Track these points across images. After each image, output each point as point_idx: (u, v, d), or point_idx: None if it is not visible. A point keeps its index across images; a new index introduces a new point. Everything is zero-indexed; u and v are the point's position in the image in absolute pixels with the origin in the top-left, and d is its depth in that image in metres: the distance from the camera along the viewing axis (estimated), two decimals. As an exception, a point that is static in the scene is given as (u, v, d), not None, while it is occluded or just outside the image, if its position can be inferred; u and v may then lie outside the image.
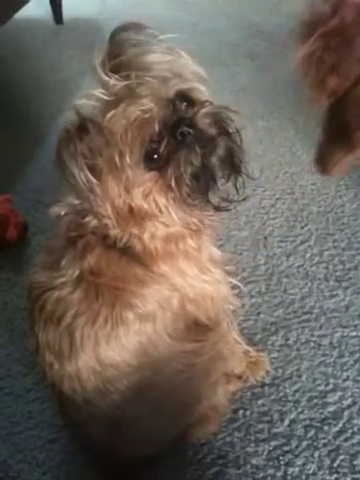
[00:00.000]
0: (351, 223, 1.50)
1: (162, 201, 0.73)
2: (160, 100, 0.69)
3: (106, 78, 0.71)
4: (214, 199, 0.76)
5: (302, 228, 1.51)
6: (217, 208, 0.78)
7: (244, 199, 0.81)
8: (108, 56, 0.74)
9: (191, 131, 0.70)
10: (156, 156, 0.71)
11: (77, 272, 0.78)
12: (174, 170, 0.71)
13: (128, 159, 0.69)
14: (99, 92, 0.71)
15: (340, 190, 1.62)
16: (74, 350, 0.78)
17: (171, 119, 0.70)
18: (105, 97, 0.71)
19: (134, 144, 0.69)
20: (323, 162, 0.62)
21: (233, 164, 0.76)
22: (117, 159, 0.69)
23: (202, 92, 0.76)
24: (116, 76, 0.71)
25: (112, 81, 0.71)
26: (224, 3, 2.86)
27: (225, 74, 2.21)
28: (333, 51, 0.49)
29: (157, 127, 0.69)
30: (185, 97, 0.73)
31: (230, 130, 0.74)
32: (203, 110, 0.73)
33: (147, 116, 0.68)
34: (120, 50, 0.74)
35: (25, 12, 2.26)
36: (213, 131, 0.72)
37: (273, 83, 2.15)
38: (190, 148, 0.71)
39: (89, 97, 0.73)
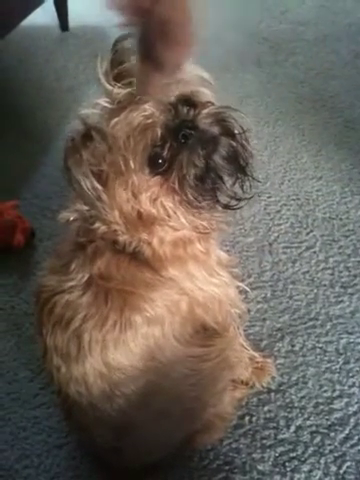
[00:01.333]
0: (356, 229, 1.50)
1: (170, 205, 0.74)
2: (161, 105, 0.70)
3: (109, 87, 0.73)
4: (222, 198, 0.77)
5: (307, 234, 1.51)
6: (226, 207, 0.78)
7: (252, 197, 0.81)
8: (111, 64, 0.75)
9: (193, 133, 0.71)
10: (160, 160, 0.71)
11: (87, 276, 0.79)
12: (177, 172, 0.71)
13: (132, 164, 0.70)
14: (103, 101, 0.73)
15: (345, 196, 1.62)
16: (82, 353, 0.79)
17: (173, 123, 0.71)
18: (109, 105, 0.72)
19: (137, 149, 0.69)
20: (141, 84, 0.65)
21: (238, 164, 0.76)
22: (122, 165, 0.70)
23: (205, 94, 0.77)
24: (119, 84, 0.72)
25: (115, 89, 0.72)
26: (230, 11, 2.87)
27: (231, 81, 2.22)
28: None
29: (159, 131, 0.70)
30: (187, 100, 0.74)
31: (234, 129, 0.75)
32: (205, 111, 0.73)
33: (149, 121, 0.69)
34: (123, 58, 0.76)
35: (31, 19, 2.28)
36: (215, 131, 0.73)
37: (278, 90, 2.16)
38: (192, 149, 0.71)
39: (94, 106, 0.74)
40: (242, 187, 0.79)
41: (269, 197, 1.65)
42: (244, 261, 1.44)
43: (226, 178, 0.76)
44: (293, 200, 1.63)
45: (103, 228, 0.78)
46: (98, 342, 0.78)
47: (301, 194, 1.65)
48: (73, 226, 0.83)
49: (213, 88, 0.80)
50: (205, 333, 0.90)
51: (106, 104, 0.72)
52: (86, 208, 0.75)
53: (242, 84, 2.22)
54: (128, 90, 0.71)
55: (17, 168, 1.83)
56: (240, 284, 0.99)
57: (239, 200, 0.79)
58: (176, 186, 0.72)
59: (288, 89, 2.15)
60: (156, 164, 0.71)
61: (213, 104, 0.76)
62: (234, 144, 0.75)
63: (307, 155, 1.80)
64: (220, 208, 0.79)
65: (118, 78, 0.74)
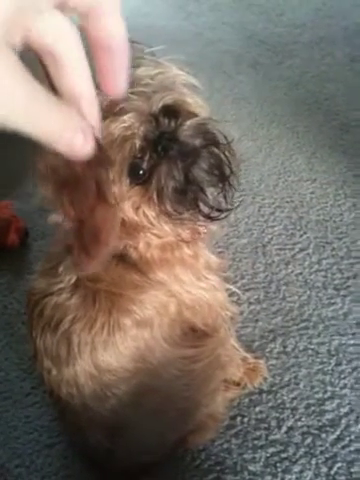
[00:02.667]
0: (350, 232, 1.51)
1: (152, 214, 0.73)
2: (142, 116, 0.68)
3: None
4: (204, 209, 0.76)
5: (301, 236, 1.51)
6: (208, 218, 0.77)
7: (234, 209, 0.81)
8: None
9: (173, 145, 0.70)
10: (141, 171, 0.70)
11: (74, 278, 0.79)
12: (156, 184, 0.70)
13: (112, 175, 0.69)
14: None
15: (339, 199, 1.63)
16: (71, 355, 0.79)
17: (153, 134, 0.69)
18: None
19: (116, 161, 0.69)
20: (77, 264, 0.70)
21: (222, 175, 0.75)
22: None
23: (189, 103, 0.75)
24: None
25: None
26: (227, 13, 2.88)
27: (227, 83, 2.23)
28: (69, 193, 0.57)
29: (138, 143, 0.68)
30: (170, 111, 0.72)
31: (218, 140, 0.74)
32: (187, 122, 0.71)
33: (128, 133, 0.68)
34: None
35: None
36: (197, 143, 0.71)
37: (274, 92, 2.17)
38: (171, 162, 0.70)
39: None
40: (225, 198, 0.78)
41: (263, 199, 1.65)
42: (237, 263, 1.45)
43: (208, 190, 0.75)
44: (287, 202, 1.64)
45: None
46: (87, 344, 0.78)
47: (295, 196, 1.66)
48: (62, 228, 0.83)
49: (200, 93, 0.78)
50: (195, 334, 0.90)
51: None
52: None
53: (237, 86, 2.23)
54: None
55: (11, 166, 1.82)
56: (231, 287, 0.99)
57: (221, 211, 0.78)
58: (155, 198, 0.71)
59: (283, 91, 2.16)
60: (136, 175, 0.71)
61: (196, 115, 0.74)
62: (217, 154, 0.74)
63: (301, 157, 1.81)
64: (202, 219, 0.78)
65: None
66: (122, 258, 0.79)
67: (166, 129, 0.70)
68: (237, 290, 1.07)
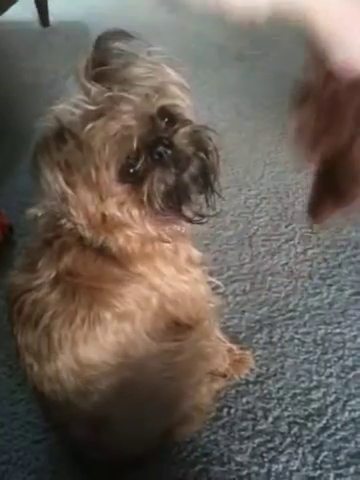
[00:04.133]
0: (334, 221, 1.51)
1: (135, 212, 0.74)
2: (141, 117, 0.69)
3: (88, 85, 0.71)
4: (187, 213, 0.77)
5: (286, 227, 1.51)
6: (190, 221, 0.79)
7: (216, 214, 0.83)
8: (92, 63, 0.74)
9: (168, 152, 0.71)
10: (132, 171, 0.71)
11: (54, 273, 0.79)
12: (147, 188, 0.71)
13: (104, 173, 0.69)
14: (80, 99, 0.71)
15: (324, 189, 1.62)
16: (52, 351, 0.79)
17: (150, 138, 0.70)
18: (86, 105, 0.70)
19: (111, 160, 0.69)
20: (314, 213, 0.64)
21: (207, 181, 0.77)
22: (93, 173, 0.69)
23: (183, 107, 0.77)
24: (98, 85, 0.71)
25: (94, 89, 0.70)
26: (211, 5, 2.86)
27: (212, 75, 2.22)
28: (325, 117, 0.52)
29: (135, 145, 0.69)
30: (167, 114, 0.73)
31: (209, 149, 0.75)
32: (182, 129, 0.73)
33: (126, 133, 0.68)
34: (104, 59, 0.74)
35: (11, 15, 2.26)
36: (190, 151, 0.73)
37: (259, 84, 2.17)
38: (165, 168, 0.71)
39: (69, 103, 0.72)
40: (207, 203, 0.80)
41: (249, 190, 1.65)
42: (224, 254, 1.45)
43: (193, 195, 0.76)
44: (273, 193, 1.64)
45: (69, 224, 0.77)
46: (68, 339, 0.78)
47: (281, 187, 1.66)
48: (41, 222, 0.83)
49: (190, 95, 0.79)
50: (178, 328, 0.90)
51: (83, 103, 0.71)
52: (52, 204, 0.75)
53: (222, 78, 2.23)
54: (108, 94, 0.69)
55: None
56: (213, 280, 0.99)
57: (203, 216, 0.79)
58: (145, 199, 0.72)
59: (268, 83, 2.15)
60: (127, 173, 0.71)
61: (190, 121, 0.76)
62: (206, 161, 0.75)
63: (287, 148, 1.80)
64: (184, 222, 0.80)
65: (98, 78, 0.72)
66: (101, 252, 0.79)
67: (163, 134, 0.71)
68: (220, 283, 1.07)
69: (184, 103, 0.77)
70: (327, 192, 0.61)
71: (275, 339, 1.23)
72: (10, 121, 2.02)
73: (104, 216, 0.74)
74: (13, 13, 2.31)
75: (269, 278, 1.37)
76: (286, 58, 2.29)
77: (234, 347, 1.15)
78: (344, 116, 0.53)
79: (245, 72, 2.26)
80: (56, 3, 2.73)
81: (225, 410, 1.10)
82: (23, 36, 2.68)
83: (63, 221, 0.78)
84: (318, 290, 1.33)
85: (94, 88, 0.70)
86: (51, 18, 2.74)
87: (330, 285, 1.34)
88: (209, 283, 0.96)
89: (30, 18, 2.76)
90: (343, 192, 0.58)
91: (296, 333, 1.24)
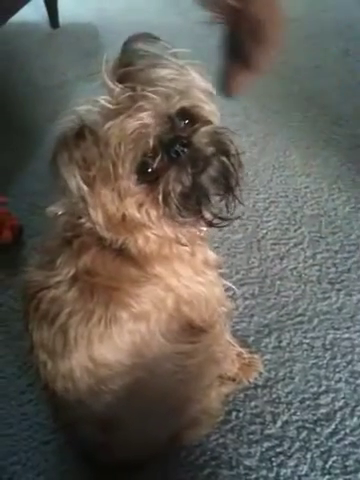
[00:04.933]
0: (344, 226, 1.51)
1: (153, 213, 0.74)
2: (159, 116, 0.69)
3: (112, 85, 0.71)
4: (207, 215, 0.76)
5: (295, 231, 1.52)
6: (210, 224, 0.78)
7: (237, 218, 0.82)
8: (118, 64, 0.74)
9: (185, 150, 0.70)
10: (149, 170, 0.71)
11: (72, 271, 0.79)
12: (163, 187, 0.71)
13: (121, 170, 0.69)
14: (103, 99, 0.71)
15: (333, 193, 1.63)
16: (68, 349, 0.79)
17: (167, 136, 0.70)
18: (109, 105, 0.70)
19: (127, 157, 0.69)
20: (224, 83, 0.64)
21: (228, 185, 0.76)
22: (111, 170, 0.69)
23: (206, 110, 0.76)
24: (121, 86, 0.71)
25: (117, 90, 0.70)
26: (220, 8, 2.87)
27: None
28: None
29: (152, 143, 0.69)
30: (187, 115, 0.73)
31: (230, 151, 0.74)
32: (202, 129, 0.72)
33: (144, 131, 0.68)
34: (129, 60, 0.74)
35: (21, 16, 2.27)
36: (209, 151, 0.72)
37: (267, 87, 2.16)
38: (181, 167, 0.70)
39: (92, 103, 0.72)
40: (227, 207, 0.79)
41: (258, 194, 1.65)
42: (232, 258, 1.45)
43: (213, 197, 0.75)
44: (282, 197, 1.64)
45: (89, 224, 0.77)
46: (83, 337, 0.78)
47: (289, 191, 1.66)
48: (60, 221, 0.83)
49: (216, 100, 0.79)
50: (191, 330, 0.90)
51: (106, 103, 0.71)
52: (72, 202, 0.75)
53: (231, 81, 2.22)
54: (129, 94, 0.70)
55: (5, 164, 1.82)
56: (227, 283, 0.99)
57: (223, 220, 0.79)
58: (160, 199, 0.71)
59: (277, 86, 2.16)
60: (145, 173, 0.71)
61: (212, 122, 0.75)
62: (227, 164, 0.74)
63: (296, 152, 1.81)
64: (203, 225, 0.79)
65: (123, 79, 0.72)
66: (120, 252, 0.79)
67: (181, 133, 0.71)
68: (232, 285, 1.07)
69: (208, 107, 0.76)
70: (234, 59, 0.60)
71: (284, 343, 1.23)
72: (20, 121, 2.03)
73: (124, 216, 0.73)
74: (23, 15, 2.31)
75: (278, 282, 1.37)
76: (294, 62, 2.31)
77: (243, 351, 1.15)
78: None
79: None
80: (66, 5, 2.73)
81: (234, 414, 1.10)
82: (33, 37, 2.67)
83: (83, 220, 0.78)
84: (327, 295, 1.33)
85: (118, 88, 0.71)
86: (61, 20, 2.74)
87: (339, 290, 1.34)
88: (223, 286, 0.96)
89: (40, 20, 2.76)
90: (247, 53, 0.57)
91: (305, 338, 1.24)
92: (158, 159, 0.70)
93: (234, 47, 0.57)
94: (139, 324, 0.81)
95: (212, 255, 0.91)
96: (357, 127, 1.91)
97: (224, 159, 0.74)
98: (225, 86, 0.63)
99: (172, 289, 0.84)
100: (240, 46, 0.55)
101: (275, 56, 0.57)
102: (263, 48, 0.54)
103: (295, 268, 1.41)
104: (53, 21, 2.73)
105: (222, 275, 0.96)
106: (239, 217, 0.83)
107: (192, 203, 0.73)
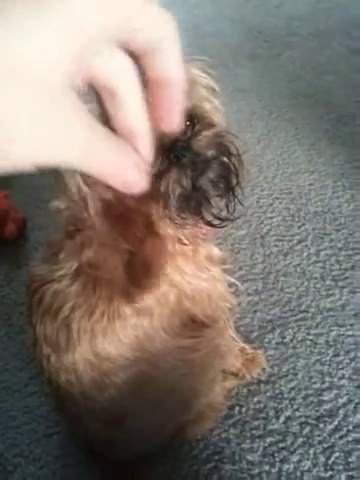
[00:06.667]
0: (348, 224, 1.51)
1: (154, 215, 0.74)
2: None
3: None
4: (207, 216, 0.76)
5: (299, 227, 1.51)
6: (210, 225, 0.78)
7: (238, 218, 0.82)
8: None
9: (185, 154, 0.70)
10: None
11: (75, 265, 0.78)
12: (163, 190, 0.71)
13: None
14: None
15: (337, 191, 1.62)
16: (71, 343, 0.79)
17: (167, 139, 0.69)
18: None
19: None
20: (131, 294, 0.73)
21: (228, 185, 0.76)
22: None
23: (207, 108, 0.75)
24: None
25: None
26: (225, 5, 2.87)
27: (226, 75, 2.22)
28: (122, 226, 0.63)
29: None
30: (189, 116, 0.72)
31: (231, 152, 0.74)
32: (203, 132, 0.72)
33: None
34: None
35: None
36: (210, 154, 0.72)
37: (273, 84, 2.17)
38: (181, 170, 0.70)
39: (91, 103, 0.72)
40: (228, 207, 0.79)
41: (262, 190, 1.65)
42: (236, 254, 1.45)
43: (213, 199, 0.75)
44: (285, 194, 1.64)
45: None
46: (87, 331, 0.78)
47: (293, 188, 1.66)
48: (64, 215, 0.83)
49: (219, 98, 0.78)
50: (194, 325, 0.90)
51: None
52: (74, 198, 0.75)
53: (236, 78, 2.22)
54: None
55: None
56: (231, 278, 0.99)
57: (223, 220, 0.79)
58: (160, 202, 0.71)
59: (282, 83, 2.16)
60: None
61: (213, 124, 0.74)
62: (227, 165, 0.74)
63: (300, 149, 1.81)
64: (204, 225, 0.79)
65: None
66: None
67: (181, 136, 0.70)
68: (236, 281, 1.06)
69: (210, 105, 0.76)
70: (130, 276, 0.67)
71: (287, 339, 1.23)
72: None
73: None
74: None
75: (281, 278, 1.37)
76: (300, 59, 2.31)
77: (246, 346, 1.15)
78: (136, 226, 0.60)
79: (259, 73, 2.25)
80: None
81: (237, 409, 1.10)
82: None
83: (85, 215, 0.78)
84: (331, 292, 1.33)
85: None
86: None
87: (343, 287, 1.34)
88: (227, 282, 0.96)
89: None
90: (140, 281, 0.66)
91: (308, 334, 1.24)
92: (158, 162, 0.70)
93: (130, 270, 0.66)
94: (142, 319, 0.81)
95: (215, 251, 0.91)
96: (362, 125, 1.91)
97: (224, 160, 0.73)
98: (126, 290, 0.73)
99: (175, 285, 0.83)
100: (134, 271, 0.65)
101: (156, 283, 0.74)
102: (148, 276, 0.64)
103: (299, 265, 1.41)
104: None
105: (226, 271, 0.96)
106: (239, 217, 0.83)
107: (192, 205, 0.73)
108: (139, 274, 0.63)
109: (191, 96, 0.73)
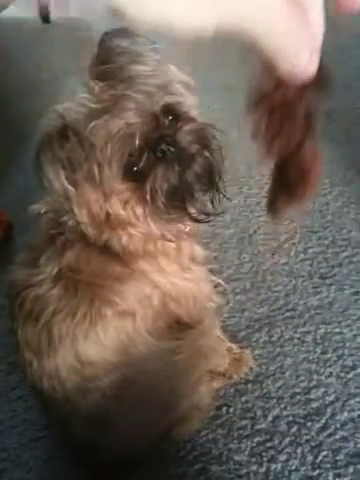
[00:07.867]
0: (335, 221, 1.51)
1: (139, 211, 0.73)
2: (144, 114, 0.69)
3: (92, 84, 0.71)
4: (192, 211, 0.77)
5: (287, 226, 1.51)
6: (195, 220, 0.78)
7: (221, 213, 0.82)
8: (96, 61, 0.74)
9: (171, 149, 0.70)
10: (136, 169, 0.71)
11: (56, 269, 0.78)
12: (150, 185, 0.71)
13: (107, 171, 0.69)
14: (85, 98, 0.71)
15: (325, 188, 1.62)
16: (52, 347, 0.78)
17: (153, 135, 0.70)
18: (90, 104, 0.70)
19: (113, 157, 0.68)
20: (272, 210, 0.67)
21: (212, 180, 0.76)
22: (96, 170, 0.69)
23: (188, 106, 0.76)
24: (102, 84, 0.71)
25: (97, 88, 0.70)
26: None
27: (212, 73, 2.21)
28: (277, 120, 0.55)
29: (138, 142, 0.69)
30: (170, 111, 0.73)
31: (212, 147, 0.74)
32: (186, 127, 0.72)
33: (129, 130, 0.68)
34: (108, 57, 0.74)
35: (12, 11, 2.25)
36: (194, 148, 0.73)
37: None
38: (168, 165, 0.71)
39: (73, 102, 0.72)
40: (212, 202, 0.79)
41: (249, 189, 1.65)
42: (224, 253, 1.44)
43: (197, 193, 0.76)
44: (273, 192, 1.63)
45: (72, 221, 0.77)
46: (68, 335, 0.78)
47: (281, 186, 1.65)
48: (44, 218, 0.82)
49: (195, 93, 0.79)
50: (178, 327, 0.89)
51: (87, 101, 0.70)
52: (56, 201, 0.75)
53: (223, 76, 2.22)
54: (112, 92, 0.69)
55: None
56: (216, 278, 0.99)
57: (208, 215, 0.79)
58: (148, 197, 0.71)
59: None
60: (130, 172, 0.71)
61: (194, 119, 0.75)
62: (210, 160, 0.74)
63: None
64: (189, 221, 0.79)
65: (101, 76, 0.72)
66: (104, 249, 0.79)
67: (166, 131, 0.71)
68: (221, 281, 1.06)
69: (189, 101, 0.76)
70: (281, 190, 0.63)
71: (274, 338, 1.23)
72: (11, 117, 2.02)
73: (108, 215, 0.73)
74: (14, 9, 2.30)
75: (269, 277, 1.37)
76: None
77: (233, 346, 1.15)
78: (294, 120, 0.55)
79: (246, 70, 2.24)
80: (57, -1, 2.73)
81: (224, 409, 1.10)
82: (24, 32, 2.66)
83: (66, 218, 0.77)
84: (318, 289, 1.33)
85: (98, 86, 0.70)
86: (52, 14, 2.73)
87: (330, 284, 1.34)
88: (212, 282, 0.96)
89: (31, 14, 2.74)
90: (294, 191, 0.60)
91: (296, 332, 1.23)
92: (144, 158, 0.70)
93: (283, 182, 0.61)
94: (124, 321, 0.81)
95: (199, 251, 0.91)
96: (350, 122, 1.91)
97: (207, 154, 0.74)
98: (273, 213, 0.67)
99: (158, 286, 0.83)
100: (288, 183, 0.59)
101: (311, 197, 0.62)
102: (305, 187, 0.58)
103: (286, 263, 1.41)
104: (44, 16, 2.72)
105: (211, 271, 0.96)
106: (223, 212, 0.83)
107: (178, 200, 0.73)
108: (292, 185, 0.60)
109: (171, 92, 0.74)
